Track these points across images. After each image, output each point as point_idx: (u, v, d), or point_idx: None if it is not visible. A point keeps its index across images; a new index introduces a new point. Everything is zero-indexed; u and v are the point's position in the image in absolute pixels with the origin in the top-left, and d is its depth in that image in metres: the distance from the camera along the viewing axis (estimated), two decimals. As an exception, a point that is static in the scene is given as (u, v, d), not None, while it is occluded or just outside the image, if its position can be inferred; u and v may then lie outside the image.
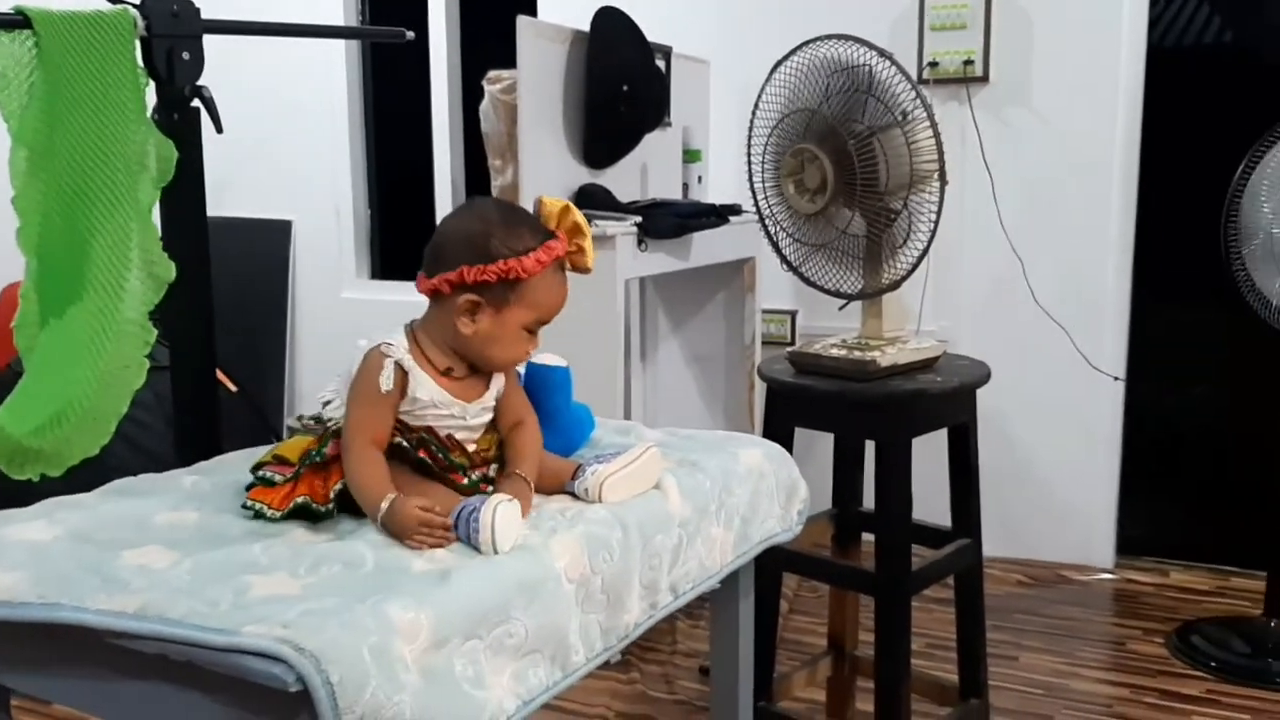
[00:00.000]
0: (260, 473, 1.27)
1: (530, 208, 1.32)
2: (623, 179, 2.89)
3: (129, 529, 1.21)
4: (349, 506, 1.24)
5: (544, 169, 2.62)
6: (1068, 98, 3.15)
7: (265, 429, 3.58)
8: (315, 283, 4.19)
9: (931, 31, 3.19)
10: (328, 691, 0.89)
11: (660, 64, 3.00)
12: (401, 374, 1.23)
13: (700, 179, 3.17)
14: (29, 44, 1.58)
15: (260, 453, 1.35)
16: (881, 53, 1.88)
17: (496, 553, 1.12)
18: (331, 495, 1.23)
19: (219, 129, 1.79)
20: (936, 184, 1.90)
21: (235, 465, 1.43)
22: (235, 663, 0.92)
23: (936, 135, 1.87)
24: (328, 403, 1.33)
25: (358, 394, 1.23)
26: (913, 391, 1.89)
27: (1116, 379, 3.20)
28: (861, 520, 2.26)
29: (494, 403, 1.31)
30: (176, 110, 1.77)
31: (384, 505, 1.17)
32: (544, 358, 1.44)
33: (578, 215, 1.30)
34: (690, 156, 3.15)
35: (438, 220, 2.04)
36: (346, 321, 3.90)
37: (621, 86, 2.76)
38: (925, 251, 1.93)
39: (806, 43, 1.95)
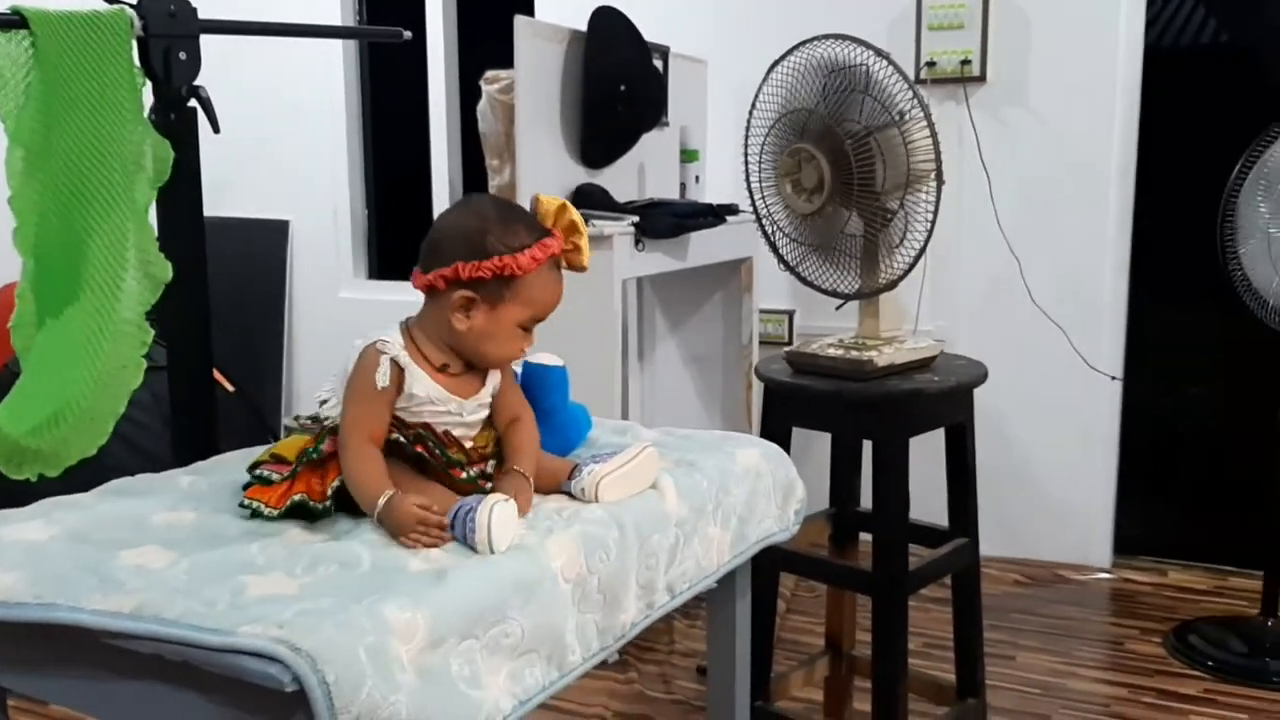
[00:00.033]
0: (257, 471, 1.27)
1: (527, 206, 1.32)
2: (620, 179, 2.89)
3: (126, 529, 1.21)
4: (346, 506, 1.24)
5: (541, 169, 2.62)
6: (1065, 98, 3.15)
7: (263, 429, 3.58)
8: (313, 283, 4.19)
9: (929, 31, 3.19)
10: (324, 691, 0.89)
11: (658, 64, 3.00)
12: (397, 370, 1.23)
13: (698, 179, 3.17)
14: (25, 44, 1.58)
15: (257, 452, 1.35)
16: (878, 52, 1.88)
17: (493, 552, 1.12)
18: (329, 492, 1.23)
19: (216, 129, 1.79)
20: (933, 184, 1.90)
21: (232, 465, 1.43)
22: (231, 663, 0.92)
23: (933, 135, 1.87)
24: (324, 401, 1.33)
25: (354, 391, 1.24)
26: (910, 391, 1.89)
27: (1114, 379, 3.20)
28: (859, 520, 2.26)
29: (490, 399, 1.31)
30: (173, 110, 1.77)
31: (381, 501, 1.17)
32: (541, 357, 1.44)
33: (574, 213, 1.30)
34: (687, 156, 3.15)
35: (435, 220, 2.03)
36: (344, 321, 3.89)
37: (619, 86, 2.76)
38: (922, 251, 1.94)
39: (803, 42, 1.95)
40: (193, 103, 1.78)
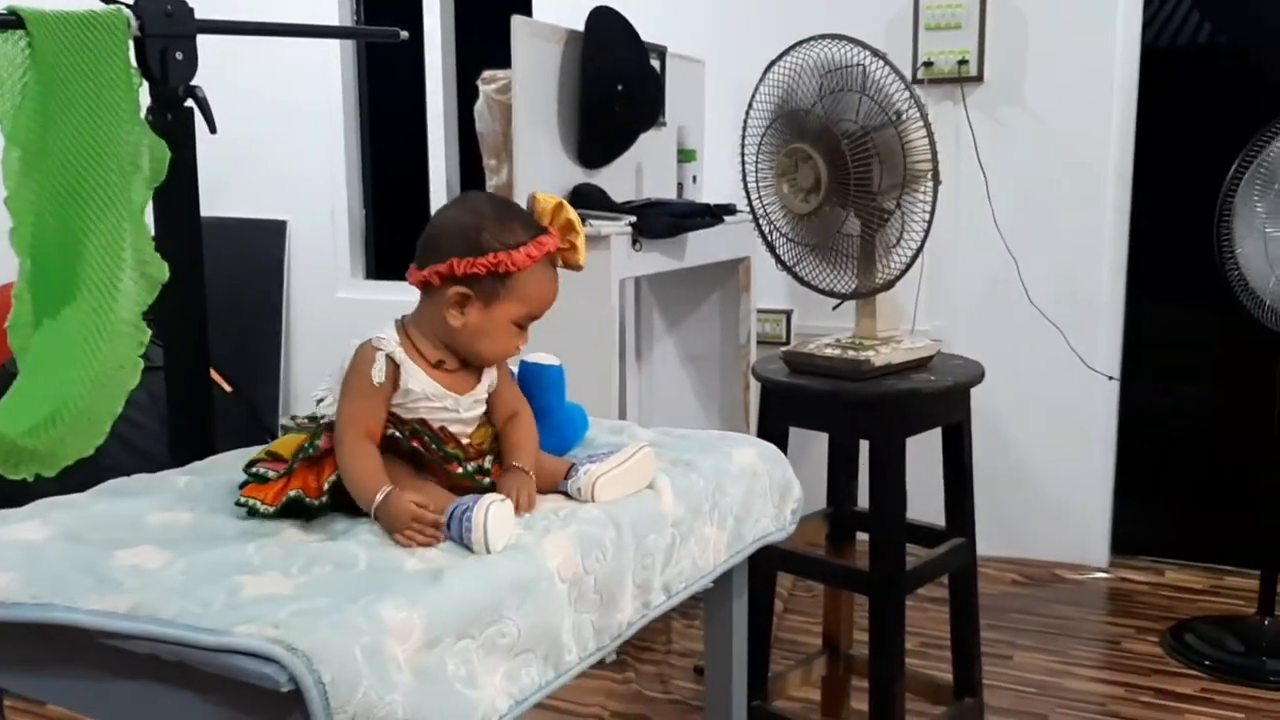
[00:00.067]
0: (253, 469, 1.27)
1: (524, 205, 1.32)
2: (617, 179, 2.89)
3: (122, 529, 1.21)
4: (342, 506, 1.24)
5: (539, 169, 2.62)
6: (1062, 98, 3.15)
7: (260, 429, 3.58)
8: (310, 283, 4.19)
9: (926, 31, 3.20)
10: (320, 691, 0.89)
11: (655, 64, 3.00)
12: (393, 366, 1.24)
13: (695, 179, 3.18)
14: (22, 44, 1.58)
15: (254, 452, 1.35)
16: (875, 52, 1.89)
17: (489, 552, 1.12)
18: (325, 488, 1.23)
19: (212, 129, 1.79)
20: (930, 184, 1.91)
21: (229, 465, 1.43)
22: (227, 663, 0.92)
23: (930, 135, 1.87)
24: (321, 400, 1.33)
25: (350, 388, 1.24)
26: (907, 391, 1.89)
27: (1111, 378, 3.20)
28: (856, 520, 2.26)
29: (486, 396, 1.31)
30: (170, 110, 1.77)
31: (379, 498, 1.17)
32: (537, 356, 1.44)
33: (570, 212, 1.30)
34: (685, 156, 3.16)
35: (432, 220, 2.03)
36: (341, 321, 3.89)
37: (616, 86, 2.76)
38: (919, 251, 1.94)
39: (800, 42, 1.95)
40: (189, 103, 1.78)
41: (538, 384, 1.42)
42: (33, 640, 1.06)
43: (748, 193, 2.07)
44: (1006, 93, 3.20)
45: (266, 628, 0.93)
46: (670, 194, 3.13)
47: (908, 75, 2.80)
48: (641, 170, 3.03)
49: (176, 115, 1.77)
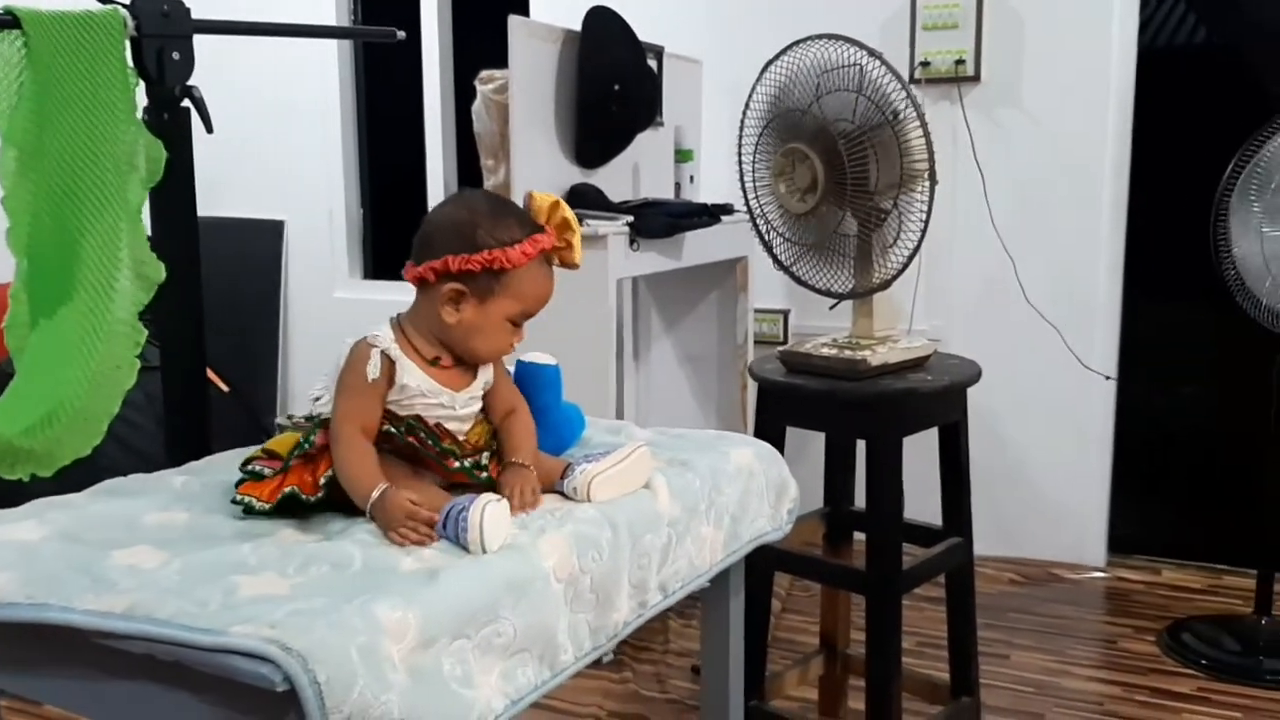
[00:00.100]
0: (249, 467, 1.27)
1: (521, 204, 1.32)
2: (614, 179, 2.89)
3: (118, 529, 1.21)
4: (338, 502, 1.24)
5: (536, 169, 2.62)
6: (1059, 98, 3.16)
7: (257, 429, 3.58)
8: (308, 283, 4.19)
9: (923, 31, 3.20)
10: (315, 691, 0.89)
11: (652, 64, 3.00)
12: (388, 363, 1.24)
13: (692, 179, 3.18)
14: (18, 44, 1.58)
15: (250, 452, 1.35)
16: (871, 52, 1.89)
17: (485, 552, 1.12)
18: (321, 483, 1.23)
19: (209, 129, 1.79)
20: (927, 183, 1.91)
21: (225, 465, 1.43)
22: (223, 663, 0.92)
23: (926, 135, 1.87)
24: (318, 399, 1.33)
25: (345, 385, 1.24)
26: (903, 390, 1.89)
27: (1108, 378, 3.21)
28: (853, 519, 2.27)
29: (482, 392, 1.31)
30: (166, 110, 1.77)
31: (374, 495, 1.17)
32: (534, 356, 1.44)
33: (567, 211, 1.30)
34: (682, 156, 3.16)
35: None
36: (339, 321, 3.86)
37: (613, 86, 2.76)
38: (915, 251, 1.94)
39: (797, 42, 1.96)
40: (186, 103, 1.78)
41: (534, 383, 1.43)
42: (28, 640, 1.06)
43: (744, 193, 2.07)
44: (1003, 93, 3.20)
45: (262, 628, 0.93)
46: (668, 194, 3.13)
47: (905, 75, 2.80)
48: (639, 170, 3.04)
49: (173, 115, 1.77)
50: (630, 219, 2.56)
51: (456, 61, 3.96)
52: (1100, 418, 3.24)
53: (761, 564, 1.97)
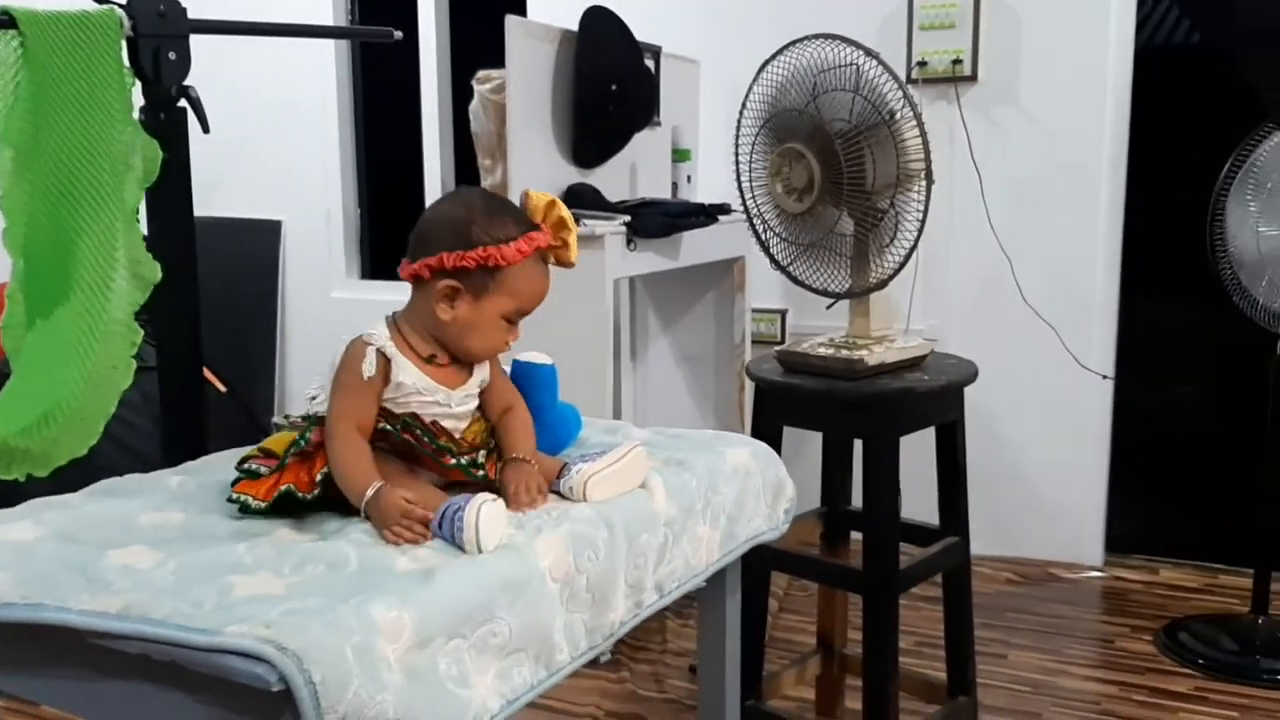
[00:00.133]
0: (245, 466, 1.27)
1: (517, 203, 1.32)
2: (612, 178, 2.90)
3: (114, 529, 1.21)
4: (335, 503, 1.24)
5: (533, 168, 2.62)
6: (1056, 97, 3.16)
7: (255, 429, 3.58)
8: (305, 283, 4.19)
9: (920, 31, 3.20)
10: (310, 691, 0.89)
11: (649, 63, 3.00)
12: (384, 361, 1.24)
13: (689, 178, 3.18)
14: (14, 44, 1.58)
15: (246, 451, 1.35)
16: (868, 52, 1.89)
17: (480, 552, 1.12)
18: (317, 480, 1.23)
19: (205, 129, 1.79)
20: (923, 183, 1.91)
21: (221, 465, 1.43)
22: (218, 663, 0.92)
23: (923, 134, 1.87)
24: (314, 398, 1.33)
25: (341, 383, 1.24)
26: (900, 390, 1.89)
27: (1105, 377, 3.21)
28: (850, 519, 2.27)
29: (478, 390, 1.31)
30: (163, 110, 1.77)
31: (369, 493, 1.17)
32: (530, 355, 1.44)
33: (563, 209, 1.30)
34: (679, 156, 3.16)
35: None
36: (336, 321, 3.86)
37: (610, 86, 2.76)
38: (912, 250, 1.94)
39: (793, 42, 1.96)
40: (182, 103, 1.78)
41: (530, 383, 1.43)
42: (24, 640, 1.06)
43: (741, 192, 2.07)
44: (1000, 92, 3.20)
45: (257, 627, 0.93)
46: (665, 194, 3.13)
47: (902, 75, 2.79)
48: (636, 170, 3.04)
49: (169, 115, 1.77)
50: (627, 219, 2.56)
51: (454, 61, 3.96)
52: (1097, 417, 3.25)
53: (758, 564, 1.97)
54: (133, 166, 1.68)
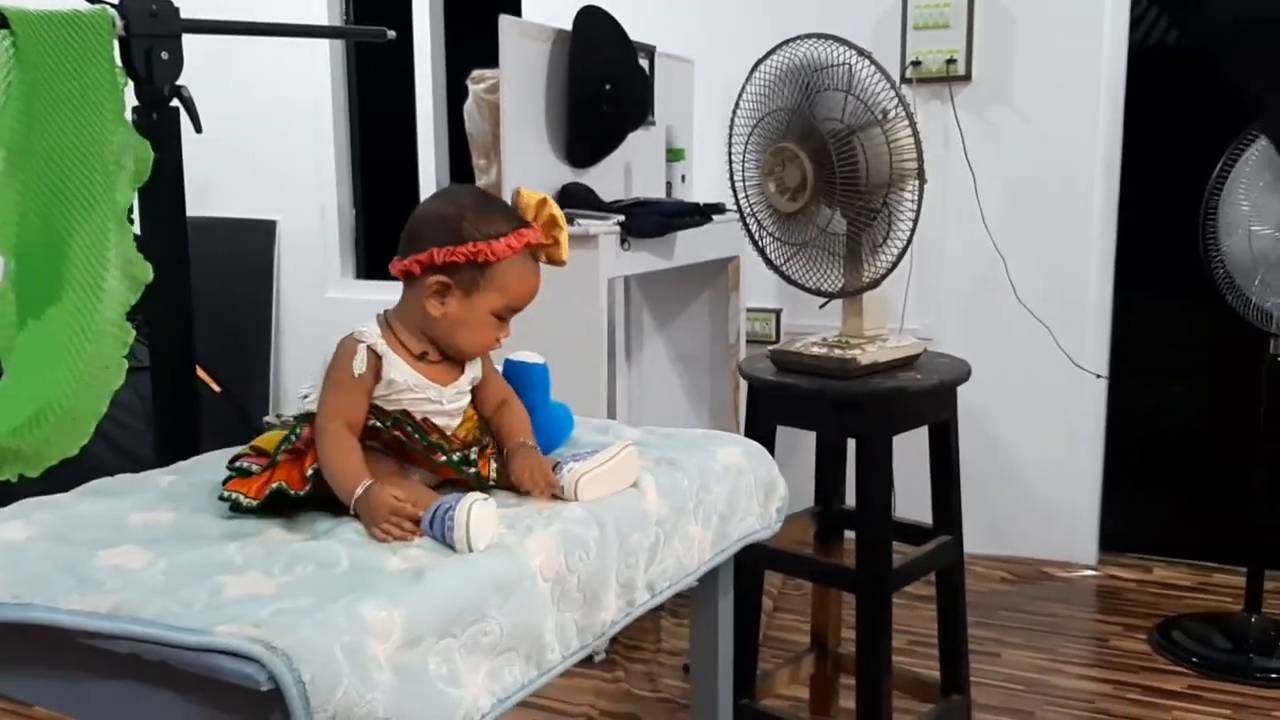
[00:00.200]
0: (237, 464, 1.27)
1: (510, 201, 1.32)
2: (606, 178, 2.90)
3: (105, 529, 1.21)
4: (326, 500, 1.24)
5: (527, 168, 2.62)
6: (1050, 97, 3.16)
7: (248, 429, 3.57)
8: (300, 282, 4.19)
9: (914, 30, 3.20)
10: (300, 690, 0.89)
11: (644, 63, 3.00)
12: (375, 358, 1.24)
13: (684, 178, 3.18)
14: (6, 43, 1.58)
15: (238, 450, 1.35)
16: (861, 51, 1.89)
17: (471, 551, 1.12)
18: (308, 475, 1.23)
19: (198, 129, 1.79)
20: (916, 183, 1.91)
21: (212, 465, 1.43)
22: (208, 662, 0.92)
23: (916, 134, 1.87)
24: (305, 396, 1.33)
25: (331, 380, 1.24)
26: (893, 389, 1.90)
27: (1099, 376, 3.21)
28: (844, 518, 2.27)
29: (469, 387, 1.32)
30: (155, 110, 1.77)
31: (358, 491, 1.18)
32: (521, 355, 1.45)
33: (554, 208, 1.30)
34: (674, 155, 3.16)
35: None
36: (331, 321, 3.84)
37: (604, 85, 2.76)
38: (905, 250, 1.94)
39: (786, 42, 1.96)
40: (175, 103, 1.78)
41: (522, 382, 1.43)
42: (14, 640, 1.06)
43: (735, 192, 2.07)
44: (994, 92, 3.21)
45: (247, 627, 0.93)
46: (659, 193, 3.13)
47: (895, 75, 2.80)
48: (630, 170, 3.04)
49: (162, 115, 1.77)
50: (622, 218, 2.56)
51: (448, 61, 3.96)
52: (1091, 416, 3.25)
53: (751, 563, 1.97)
54: (125, 166, 1.67)
